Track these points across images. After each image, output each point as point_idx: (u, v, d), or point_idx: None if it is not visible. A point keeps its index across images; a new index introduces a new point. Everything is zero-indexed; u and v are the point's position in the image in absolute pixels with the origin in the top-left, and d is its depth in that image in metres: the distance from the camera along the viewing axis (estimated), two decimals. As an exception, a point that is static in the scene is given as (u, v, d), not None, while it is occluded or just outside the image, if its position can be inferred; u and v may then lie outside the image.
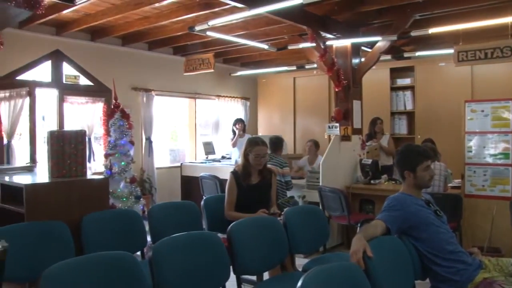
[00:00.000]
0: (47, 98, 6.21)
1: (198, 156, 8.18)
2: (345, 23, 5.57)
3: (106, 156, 4.65)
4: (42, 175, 3.58)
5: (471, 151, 4.64)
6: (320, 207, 4.91)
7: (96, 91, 6.48)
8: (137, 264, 2.12)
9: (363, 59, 5.76)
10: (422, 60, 7.01)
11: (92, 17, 5.57)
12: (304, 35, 5.80)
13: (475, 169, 4.61)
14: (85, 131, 3.56)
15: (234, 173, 3.66)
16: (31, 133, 5.58)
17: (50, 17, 5.18)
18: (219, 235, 2.70)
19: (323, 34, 5.40)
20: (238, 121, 7.35)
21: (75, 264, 2.01)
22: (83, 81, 6.46)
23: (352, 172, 5.57)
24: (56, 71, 6.16)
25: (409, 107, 7.25)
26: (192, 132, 8.40)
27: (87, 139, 5.57)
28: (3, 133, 5.51)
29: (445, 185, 4.62)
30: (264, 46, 6.47)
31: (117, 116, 4.64)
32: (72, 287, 1.91)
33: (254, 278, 3.38)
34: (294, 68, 8.04)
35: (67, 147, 3.23)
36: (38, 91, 5.76)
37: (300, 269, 3.14)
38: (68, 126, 6.16)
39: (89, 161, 6.21)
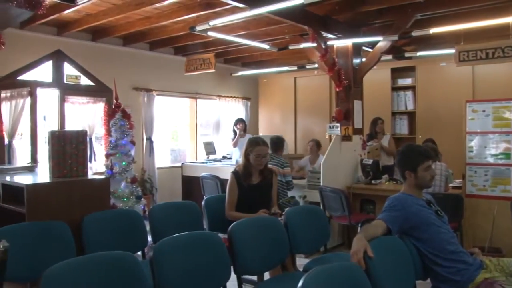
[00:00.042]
0: (48, 98, 6.22)
1: (199, 156, 8.18)
2: (346, 23, 5.56)
3: (107, 156, 4.65)
4: (43, 175, 3.59)
5: (472, 151, 4.64)
6: (321, 207, 4.91)
7: (97, 91, 6.48)
8: (138, 264, 2.12)
9: (364, 59, 5.76)
10: (423, 60, 7.01)
11: (93, 17, 5.57)
12: (305, 35, 5.79)
13: (476, 169, 4.60)
14: (86, 131, 3.56)
15: (235, 173, 3.66)
16: (32, 133, 5.57)
17: (51, 17, 5.19)
18: (220, 235, 2.71)
19: (324, 34, 5.40)
20: (239, 121, 7.35)
21: (76, 264, 2.01)
22: (84, 81, 6.46)
23: (353, 172, 5.57)
24: (57, 71, 6.16)
25: (410, 107, 7.24)
26: (193, 132, 8.40)
27: (88, 139, 5.57)
28: (4, 133, 5.52)
29: (446, 185, 4.61)
30: (265, 46, 6.48)
31: (118, 116, 4.63)
32: (73, 287, 1.91)
33: (255, 278, 3.38)
34: (295, 68, 8.04)
35: (68, 147, 3.23)
36: (39, 91, 5.76)
37: (301, 269, 3.13)
38: (69, 126, 6.16)
39: (90, 161, 6.21)
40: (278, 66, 8.46)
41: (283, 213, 3.30)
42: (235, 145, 7.13)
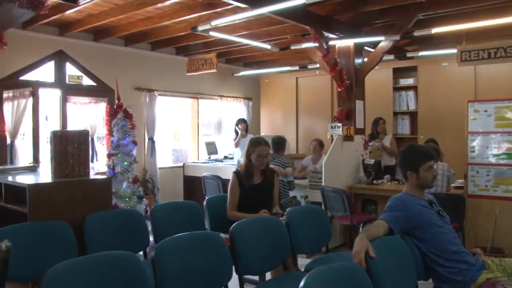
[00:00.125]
0: (50, 98, 6.24)
1: (201, 156, 8.19)
2: (348, 23, 5.56)
3: (109, 156, 4.66)
4: (45, 175, 3.59)
5: (474, 151, 4.63)
6: (323, 207, 4.91)
7: (99, 91, 6.50)
8: (139, 264, 2.13)
9: (365, 59, 5.75)
10: (425, 60, 7.00)
11: (95, 18, 5.58)
12: (306, 35, 5.79)
13: (478, 169, 4.59)
14: (88, 131, 3.57)
15: (236, 173, 3.66)
16: (34, 133, 5.60)
17: (54, 17, 5.20)
18: (222, 235, 2.70)
19: (326, 34, 5.39)
20: (241, 121, 7.36)
21: (77, 264, 2.01)
22: (86, 81, 6.49)
23: (355, 172, 5.56)
24: (59, 71, 6.18)
25: (412, 107, 7.24)
26: (195, 132, 8.40)
27: (90, 139, 5.58)
28: (6, 133, 5.54)
29: (448, 185, 4.61)
30: (267, 46, 6.47)
31: (120, 116, 4.64)
32: (74, 287, 1.92)
33: (256, 278, 3.39)
34: (296, 68, 8.04)
35: (70, 147, 3.24)
36: (41, 91, 5.79)
37: (302, 269, 3.13)
38: (71, 126, 6.18)
39: (92, 161, 6.22)
40: (280, 66, 8.46)
41: (285, 213, 3.30)
42: (236, 145, 7.13)
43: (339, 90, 5.54)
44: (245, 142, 4.38)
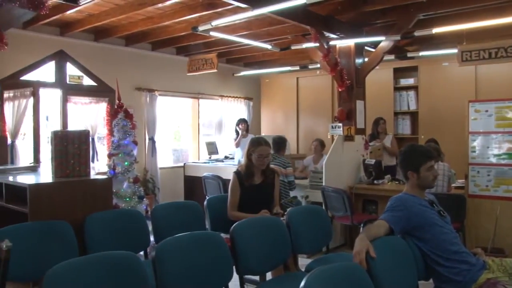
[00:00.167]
0: (51, 98, 6.24)
1: (201, 156, 8.19)
2: (349, 23, 5.56)
3: (110, 156, 4.67)
4: (45, 175, 3.60)
5: (474, 151, 4.62)
6: (323, 207, 4.91)
7: (100, 91, 6.51)
8: (140, 264, 2.13)
9: (366, 59, 5.75)
10: (426, 60, 6.99)
11: (95, 18, 5.58)
12: (307, 35, 5.79)
13: (479, 169, 4.59)
14: (88, 131, 3.57)
15: (237, 173, 3.66)
16: (35, 133, 5.59)
17: (54, 17, 5.20)
18: (222, 235, 2.70)
19: (327, 34, 5.39)
20: (241, 121, 7.36)
21: (78, 264, 2.01)
22: (87, 81, 6.49)
23: (355, 172, 5.56)
24: (60, 71, 6.19)
25: (413, 107, 7.23)
26: (195, 132, 8.41)
27: (90, 139, 5.58)
28: (7, 133, 5.54)
29: (449, 185, 4.61)
30: (267, 46, 6.47)
31: (121, 116, 4.65)
32: (75, 287, 1.92)
33: (257, 278, 3.39)
34: (297, 68, 8.03)
35: (71, 147, 3.24)
36: (42, 91, 5.79)
37: (303, 269, 3.13)
38: (72, 126, 6.18)
39: (93, 161, 6.23)
40: (280, 66, 8.46)
41: (285, 213, 3.30)
42: (237, 145, 7.13)
43: (339, 90, 5.54)
44: (245, 142, 4.38)
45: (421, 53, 6.59)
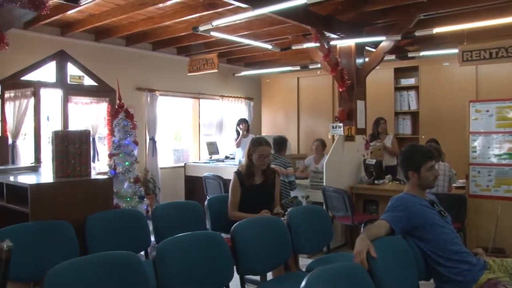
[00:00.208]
0: (51, 98, 6.25)
1: (202, 156, 8.19)
2: (349, 23, 5.56)
3: (110, 156, 4.66)
4: (46, 175, 3.60)
5: (475, 151, 4.62)
6: (324, 207, 4.91)
7: (100, 91, 6.51)
8: (141, 264, 2.13)
9: (367, 59, 5.75)
10: (427, 60, 6.99)
11: (96, 18, 5.59)
12: (308, 35, 5.79)
13: (480, 169, 4.59)
14: (89, 131, 3.57)
15: (237, 173, 3.66)
16: (35, 133, 5.60)
17: (55, 17, 5.21)
18: (223, 235, 2.70)
19: (327, 34, 5.39)
20: (242, 121, 7.36)
21: (79, 263, 2.01)
22: (88, 81, 6.50)
23: (356, 172, 5.56)
24: (61, 71, 6.19)
25: (413, 107, 7.23)
26: (196, 132, 8.41)
27: (91, 139, 5.60)
28: (8, 133, 5.54)
29: (450, 185, 4.60)
30: (268, 46, 6.48)
31: (121, 116, 4.65)
32: (76, 287, 1.92)
33: (257, 278, 3.38)
34: (298, 68, 8.04)
35: (72, 147, 3.24)
36: (43, 91, 5.79)
37: (303, 269, 3.13)
38: (73, 126, 6.19)
39: (93, 161, 6.24)
40: (281, 66, 8.46)
41: (286, 213, 3.30)
42: (238, 145, 7.13)
43: (340, 90, 5.54)
44: (246, 142, 4.38)
45: (422, 53, 6.59)
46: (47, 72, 6.09)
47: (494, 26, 5.01)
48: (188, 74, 7.02)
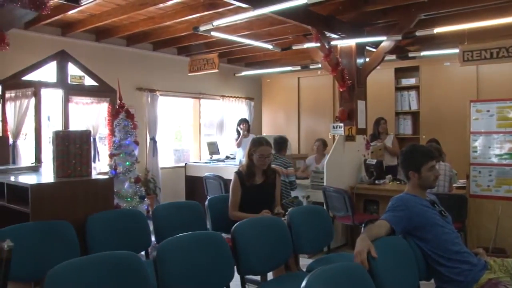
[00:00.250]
0: (52, 98, 6.25)
1: (203, 156, 8.19)
2: (350, 23, 5.56)
3: (111, 156, 4.66)
4: (47, 175, 3.60)
5: (476, 151, 4.62)
6: (325, 207, 4.91)
7: (101, 91, 6.51)
8: (141, 264, 2.13)
9: (367, 59, 5.75)
10: (427, 60, 6.99)
11: (97, 18, 5.59)
12: (308, 35, 5.79)
13: (480, 169, 4.58)
14: (90, 131, 3.57)
15: (238, 173, 3.66)
16: (36, 133, 5.60)
17: (56, 17, 5.21)
18: (223, 235, 2.70)
19: (328, 34, 5.39)
20: (243, 121, 7.36)
21: (79, 263, 2.01)
22: (88, 81, 6.50)
23: (357, 172, 5.56)
24: (61, 71, 6.20)
25: (414, 107, 7.23)
26: (197, 132, 8.41)
27: (92, 139, 5.59)
28: (8, 133, 5.55)
29: (450, 185, 4.60)
30: (269, 46, 6.48)
31: (122, 116, 4.65)
32: (76, 287, 1.92)
33: (258, 278, 3.38)
34: (298, 68, 8.04)
35: (72, 147, 3.25)
36: (44, 92, 5.79)
37: (304, 269, 3.13)
38: (73, 126, 6.19)
39: (94, 161, 6.24)
40: (282, 66, 8.46)
41: (286, 213, 3.30)
42: (238, 145, 7.13)
43: (341, 90, 5.54)
44: (247, 142, 4.39)
45: (423, 53, 6.59)
46: (47, 72, 6.09)
47: (495, 26, 5.01)
48: (189, 74, 7.02)
